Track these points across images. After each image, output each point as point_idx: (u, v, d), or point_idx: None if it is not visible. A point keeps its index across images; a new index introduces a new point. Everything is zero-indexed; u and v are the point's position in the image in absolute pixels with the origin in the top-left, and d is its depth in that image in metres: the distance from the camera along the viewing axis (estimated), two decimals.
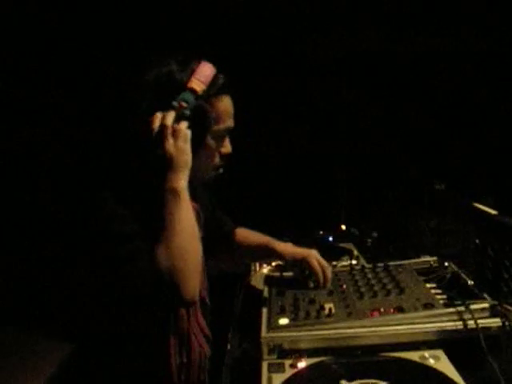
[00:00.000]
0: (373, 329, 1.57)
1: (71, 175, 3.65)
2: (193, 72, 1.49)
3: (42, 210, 3.90)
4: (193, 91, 1.47)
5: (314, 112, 3.98)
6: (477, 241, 1.98)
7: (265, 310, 1.75)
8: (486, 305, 1.57)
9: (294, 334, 1.58)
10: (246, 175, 3.67)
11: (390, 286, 1.77)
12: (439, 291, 1.76)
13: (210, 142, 1.58)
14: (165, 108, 1.46)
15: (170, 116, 1.45)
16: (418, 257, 2.09)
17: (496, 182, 3.43)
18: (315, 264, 1.90)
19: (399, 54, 3.76)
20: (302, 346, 1.56)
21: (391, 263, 2.00)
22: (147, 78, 1.51)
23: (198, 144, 1.53)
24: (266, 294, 1.91)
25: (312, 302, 1.74)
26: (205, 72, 1.50)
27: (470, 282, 1.76)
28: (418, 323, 1.56)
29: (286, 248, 2.02)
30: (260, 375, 1.44)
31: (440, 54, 3.72)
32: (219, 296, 1.87)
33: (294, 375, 1.44)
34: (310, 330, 1.58)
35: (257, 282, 2.21)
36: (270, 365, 1.49)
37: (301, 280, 1.94)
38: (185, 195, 1.46)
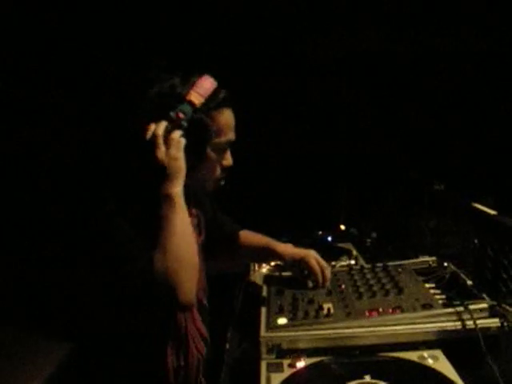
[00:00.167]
0: (371, 329, 1.57)
1: (71, 175, 3.65)
2: (193, 85, 1.51)
3: (42, 210, 3.90)
4: (191, 103, 1.50)
5: (314, 112, 3.98)
6: (476, 241, 1.98)
7: (264, 310, 1.76)
8: (484, 305, 1.57)
9: (293, 333, 1.58)
10: (245, 175, 3.67)
11: (388, 286, 1.78)
12: (438, 291, 1.76)
13: (211, 154, 1.60)
14: (163, 119, 1.49)
15: (162, 125, 1.48)
16: (417, 257, 2.10)
17: (496, 182, 3.42)
18: (314, 264, 1.91)
19: (399, 54, 3.76)
20: (301, 345, 1.56)
21: (390, 263, 2.00)
22: (150, 91, 1.53)
23: (198, 156, 1.56)
24: (265, 293, 1.92)
25: (311, 301, 1.74)
26: (204, 85, 1.53)
27: (469, 282, 1.77)
28: (416, 323, 1.57)
29: (286, 249, 2.03)
30: (259, 375, 1.45)
31: (440, 53, 3.72)
32: (218, 296, 1.88)
33: (293, 375, 1.44)
34: (309, 330, 1.59)
35: (256, 281, 2.21)
36: (268, 364, 1.50)
37: (300, 280, 1.94)
38: (179, 201, 1.49)
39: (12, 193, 3.98)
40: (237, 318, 1.99)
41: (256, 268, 2.33)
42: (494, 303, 1.57)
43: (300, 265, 1.96)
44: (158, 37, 3.69)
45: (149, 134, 1.48)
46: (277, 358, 1.54)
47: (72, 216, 1.71)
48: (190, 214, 1.74)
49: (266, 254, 2.09)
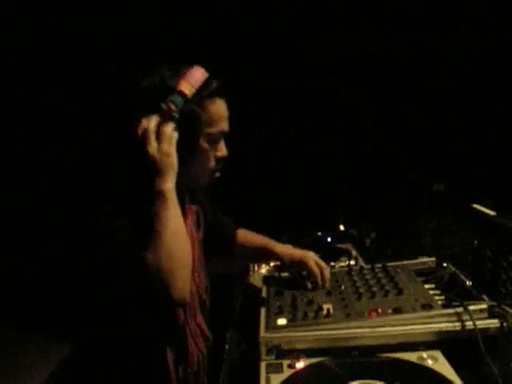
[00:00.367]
0: (371, 329, 1.57)
1: (71, 175, 3.65)
2: (183, 76, 1.50)
3: (42, 210, 3.90)
4: (182, 94, 1.48)
5: (314, 112, 3.98)
6: (475, 242, 1.98)
7: (263, 311, 1.75)
8: (484, 306, 1.57)
9: (292, 334, 1.58)
10: (245, 175, 3.68)
11: (388, 287, 1.77)
12: (437, 292, 1.76)
13: (204, 145, 1.59)
14: (155, 112, 1.48)
15: (153, 120, 1.47)
16: (417, 258, 2.09)
17: (496, 182, 3.42)
18: (313, 265, 1.90)
19: (399, 54, 3.76)
20: (300, 346, 1.56)
21: (390, 264, 2.00)
22: (141, 85, 1.54)
23: (191, 147, 1.55)
24: (264, 294, 1.91)
25: (310, 302, 1.74)
26: (195, 75, 1.52)
27: (469, 283, 1.76)
28: (416, 324, 1.56)
29: (285, 249, 2.03)
30: (258, 375, 1.45)
31: (440, 53, 3.72)
32: (218, 296, 1.88)
33: (292, 376, 1.44)
34: (308, 331, 1.59)
35: (255, 282, 2.21)
36: (268, 365, 1.49)
37: (299, 281, 1.94)
38: (171, 197, 1.48)
39: (12, 193, 3.98)
40: (236, 318, 1.99)
41: (255, 269, 2.32)
42: (494, 304, 1.57)
43: (299, 266, 1.96)
44: (158, 37, 3.69)
45: (140, 129, 1.48)
46: (276, 358, 1.53)
47: (72, 216, 1.71)
48: (189, 210, 1.75)
49: (264, 255, 2.08)
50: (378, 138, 3.86)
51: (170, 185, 1.47)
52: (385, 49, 3.78)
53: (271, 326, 1.63)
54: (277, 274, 2.09)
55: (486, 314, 1.55)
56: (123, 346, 1.60)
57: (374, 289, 1.78)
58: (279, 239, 2.10)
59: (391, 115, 3.86)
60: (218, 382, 1.59)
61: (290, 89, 3.92)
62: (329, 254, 2.29)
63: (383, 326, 1.57)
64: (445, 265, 1.94)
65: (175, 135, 1.48)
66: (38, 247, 3.82)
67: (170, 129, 1.47)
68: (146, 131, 1.46)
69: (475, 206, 2.06)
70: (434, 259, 2.02)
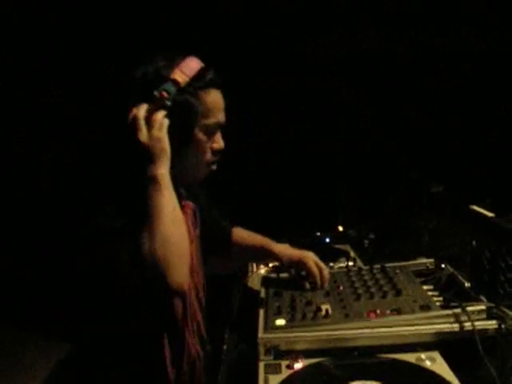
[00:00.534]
0: (369, 330, 1.57)
1: (71, 175, 3.66)
2: (177, 65, 1.49)
3: (42, 210, 3.91)
4: (175, 82, 1.47)
5: (314, 112, 3.98)
6: (473, 243, 1.98)
7: (262, 311, 1.75)
8: (482, 307, 1.56)
9: (291, 335, 1.58)
10: (245, 175, 3.68)
11: (386, 288, 1.77)
12: (436, 293, 1.76)
13: (200, 136, 1.58)
14: (148, 100, 1.46)
15: (143, 107, 1.46)
16: (415, 258, 2.09)
17: (496, 182, 3.42)
18: (312, 265, 1.90)
19: (399, 54, 3.76)
20: (299, 347, 1.56)
21: (388, 265, 2.00)
22: (135, 74, 1.52)
23: (186, 138, 1.54)
24: (262, 294, 1.90)
25: (309, 303, 1.74)
26: (189, 65, 1.51)
27: (467, 284, 1.76)
28: (414, 325, 1.56)
29: (283, 249, 2.02)
30: (257, 376, 1.44)
31: (440, 53, 3.72)
32: (216, 296, 1.88)
33: (291, 376, 1.44)
34: (307, 332, 1.58)
35: (254, 282, 2.20)
36: (266, 365, 1.49)
37: (298, 281, 1.94)
38: (165, 182, 1.46)
39: (12, 193, 3.98)
40: (235, 318, 1.98)
41: (254, 269, 2.32)
42: (492, 305, 1.57)
43: (298, 266, 1.95)
44: (158, 37, 3.70)
45: (130, 116, 1.46)
46: (274, 359, 1.53)
47: (71, 216, 1.71)
48: (186, 206, 1.73)
49: (262, 254, 2.07)
50: (377, 137, 3.86)
51: (163, 170, 1.46)
52: (385, 49, 3.78)
53: (270, 327, 1.62)
54: (275, 275, 2.09)
55: (484, 315, 1.55)
56: (123, 345, 1.60)
57: (373, 290, 1.78)
58: (278, 239, 2.10)
59: (391, 115, 3.86)
60: (216, 382, 1.58)
61: (290, 89, 3.93)
62: (327, 254, 2.28)
63: (382, 327, 1.57)
64: (443, 266, 1.94)
65: (166, 121, 1.46)
66: (38, 247, 3.82)
67: (160, 115, 1.45)
68: (135, 118, 1.45)
69: (474, 207, 2.06)
70: (432, 260, 2.02)
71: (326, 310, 1.66)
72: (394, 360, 1.47)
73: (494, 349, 1.48)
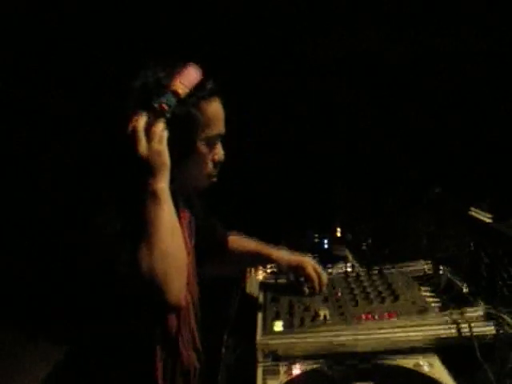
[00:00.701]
0: (367, 335, 1.57)
1: (71, 175, 3.66)
2: (177, 75, 1.47)
3: (42, 210, 3.91)
4: (175, 93, 1.45)
5: (314, 112, 3.98)
6: (471, 246, 1.98)
7: (260, 316, 1.75)
8: (480, 311, 1.57)
9: (289, 340, 1.58)
10: (245, 175, 3.68)
11: (384, 292, 1.78)
12: (434, 297, 1.76)
13: (202, 148, 1.57)
14: (147, 110, 1.45)
15: (142, 119, 1.44)
16: (413, 262, 2.09)
17: (496, 182, 3.42)
18: (311, 270, 1.90)
19: (399, 54, 3.76)
20: (297, 352, 1.56)
21: (386, 268, 2.00)
22: (134, 84, 1.50)
23: (187, 150, 1.53)
24: (261, 299, 1.91)
25: (307, 308, 1.74)
26: (189, 75, 1.49)
27: (465, 288, 1.77)
28: (412, 329, 1.57)
29: (282, 255, 2.01)
30: (255, 380, 1.45)
31: (440, 53, 3.71)
32: (213, 301, 1.88)
33: (289, 380, 1.45)
34: (305, 337, 1.59)
35: (252, 287, 2.20)
36: (264, 370, 1.50)
37: (296, 286, 1.94)
38: (165, 197, 1.44)
39: (12, 193, 3.98)
40: (233, 323, 1.98)
41: (252, 274, 2.32)
42: (490, 310, 1.57)
43: (296, 271, 1.95)
44: (158, 37, 3.69)
45: (129, 128, 1.44)
46: (273, 362, 1.54)
47: (71, 216, 1.71)
48: (182, 215, 1.72)
49: (260, 260, 2.07)
50: (377, 137, 3.86)
51: (163, 185, 1.43)
52: (385, 49, 3.77)
53: (268, 332, 1.63)
54: (273, 280, 2.09)
55: (482, 320, 1.56)
56: (123, 345, 1.60)
57: (371, 294, 1.78)
58: (277, 239, 2.10)
59: (391, 115, 3.86)
60: None
61: (290, 89, 3.92)
62: (325, 258, 2.28)
63: (380, 332, 1.57)
64: (441, 269, 1.94)
65: (165, 134, 1.44)
66: (38, 247, 3.82)
67: (160, 127, 1.43)
68: (135, 130, 1.42)
69: (472, 210, 2.06)
70: (430, 264, 2.02)
71: (324, 315, 1.67)
72: (392, 365, 1.48)
73: (492, 353, 1.48)
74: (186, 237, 1.68)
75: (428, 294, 1.80)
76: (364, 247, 2.63)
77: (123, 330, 1.56)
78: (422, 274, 1.99)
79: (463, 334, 1.52)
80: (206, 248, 1.89)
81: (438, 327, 1.56)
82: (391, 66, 3.79)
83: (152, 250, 1.38)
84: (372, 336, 1.56)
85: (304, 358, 1.52)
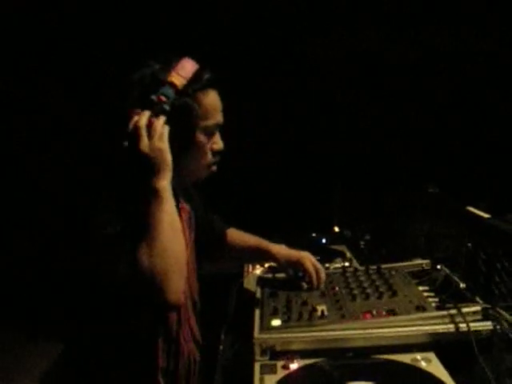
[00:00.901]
0: (365, 331, 1.57)
1: (71, 175, 3.66)
2: (173, 67, 1.48)
3: (42, 210, 3.92)
4: (172, 85, 1.46)
5: (314, 112, 3.98)
6: (469, 244, 1.98)
7: (257, 312, 1.75)
8: (477, 308, 1.56)
9: (287, 335, 1.58)
10: (244, 175, 3.69)
11: (382, 289, 1.77)
12: (431, 294, 1.76)
13: (200, 138, 1.57)
14: (146, 104, 1.45)
15: (144, 116, 1.43)
16: (411, 259, 2.09)
17: (496, 182, 3.42)
18: (309, 266, 1.90)
19: (399, 54, 3.76)
20: (295, 347, 1.56)
21: (384, 266, 2.00)
22: (132, 78, 1.51)
23: (186, 141, 1.53)
24: (258, 295, 1.90)
25: (304, 303, 1.74)
26: (185, 67, 1.50)
27: (462, 285, 1.76)
28: (410, 326, 1.56)
29: (280, 250, 2.01)
30: (252, 376, 1.45)
31: (440, 53, 3.72)
32: (211, 297, 1.88)
33: (286, 376, 1.44)
34: (303, 332, 1.59)
35: (249, 283, 2.20)
36: (262, 366, 1.49)
37: (294, 281, 1.94)
38: (167, 195, 1.43)
39: (12, 193, 3.99)
40: (230, 319, 1.98)
41: (250, 269, 2.31)
42: (487, 306, 1.57)
43: (295, 266, 1.95)
44: (158, 37, 3.70)
45: (131, 125, 1.43)
46: (270, 359, 1.54)
47: (71, 216, 1.71)
48: (182, 210, 1.72)
49: (259, 255, 2.07)
50: (378, 137, 3.86)
51: (164, 182, 1.43)
52: (385, 49, 3.78)
53: (265, 327, 1.62)
54: (271, 275, 2.09)
55: (479, 317, 1.55)
56: (123, 345, 1.61)
57: (369, 290, 1.77)
58: (276, 238, 2.10)
59: (391, 115, 3.86)
60: (212, 382, 1.58)
61: (290, 89, 3.93)
62: (323, 255, 2.28)
63: (377, 328, 1.57)
64: (439, 267, 1.94)
65: (166, 130, 1.44)
66: (38, 247, 3.83)
67: (160, 124, 1.43)
68: (137, 127, 1.42)
69: (469, 208, 2.06)
70: (428, 261, 2.02)
71: (322, 311, 1.66)
72: (390, 361, 1.47)
73: (489, 350, 1.48)
74: (185, 231, 1.68)
75: (425, 290, 1.79)
76: (362, 245, 2.63)
77: (123, 329, 1.56)
78: (419, 271, 1.98)
79: (460, 331, 1.51)
80: (206, 242, 1.90)
81: (436, 323, 1.55)
82: (391, 65, 3.80)
83: (152, 249, 1.38)
84: (369, 331, 1.56)
85: (301, 353, 1.52)
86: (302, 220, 3.56)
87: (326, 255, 2.35)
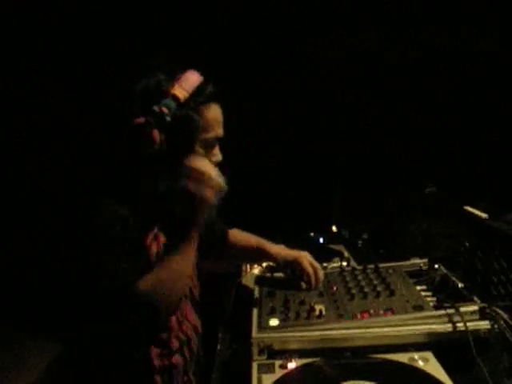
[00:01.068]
0: (363, 330, 1.57)
1: (71, 175, 3.66)
2: (177, 80, 1.51)
3: (42, 210, 3.92)
4: (175, 98, 1.48)
5: (314, 112, 3.98)
6: (467, 244, 1.98)
7: (255, 311, 1.76)
8: (475, 307, 1.57)
9: (284, 334, 1.58)
10: (244, 175, 3.68)
11: (380, 288, 1.78)
12: (429, 293, 1.76)
13: (200, 150, 1.59)
14: (148, 114, 1.47)
15: (208, 164, 1.54)
16: (409, 259, 2.09)
17: (496, 182, 3.42)
18: (307, 265, 1.90)
19: (399, 54, 3.76)
20: (292, 346, 1.57)
21: (382, 265, 2.00)
22: (136, 88, 1.54)
23: (186, 152, 1.55)
24: (256, 294, 1.91)
25: (302, 303, 1.74)
26: (189, 80, 1.52)
27: (460, 285, 1.77)
28: (407, 325, 1.57)
29: (279, 250, 2.02)
30: (250, 376, 1.45)
31: (440, 53, 3.72)
32: (210, 296, 1.88)
33: (284, 376, 1.44)
34: (300, 331, 1.59)
35: (248, 282, 2.20)
36: (260, 365, 1.49)
37: (292, 281, 1.94)
38: (195, 242, 1.55)
39: (12, 193, 3.99)
40: (228, 318, 1.98)
41: (248, 269, 2.32)
42: (485, 306, 1.57)
43: (293, 265, 1.96)
44: (158, 37, 3.70)
45: (187, 164, 1.51)
46: (268, 358, 1.54)
47: (71, 216, 1.71)
48: None
49: (258, 255, 2.08)
50: (377, 137, 3.86)
51: (197, 233, 1.55)
52: (385, 49, 3.78)
53: (263, 327, 1.63)
54: (269, 275, 2.09)
55: (477, 316, 1.56)
56: (123, 346, 1.61)
57: (366, 290, 1.78)
58: (275, 238, 2.10)
59: (391, 115, 3.86)
60: (210, 382, 1.59)
61: (290, 89, 3.92)
62: (321, 255, 2.28)
63: (375, 327, 1.58)
64: (436, 266, 1.94)
65: (226, 188, 1.54)
66: (38, 247, 3.82)
67: (221, 180, 1.53)
68: (193, 169, 1.50)
69: (467, 208, 2.06)
70: (425, 261, 2.02)
71: (320, 310, 1.67)
72: (387, 360, 1.48)
73: (487, 349, 1.48)
74: None
75: (423, 290, 1.80)
76: (360, 245, 2.63)
77: (123, 329, 1.56)
78: (417, 271, 1.99)
79: (458, 330, 1.52)
80: (205, 242, 1.90)
81: (433, 323, 1.56)
82: (391, 65, 3.79)
83: (159, 283, 1.47)
84: (367, 331, 1.56)
85: (299, 353, 1.52)
86: (302, 220, 3.55)
87: (323, 255, 2.34)
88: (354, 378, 1.39)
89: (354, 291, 1.79)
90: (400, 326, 1.57)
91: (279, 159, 4.01)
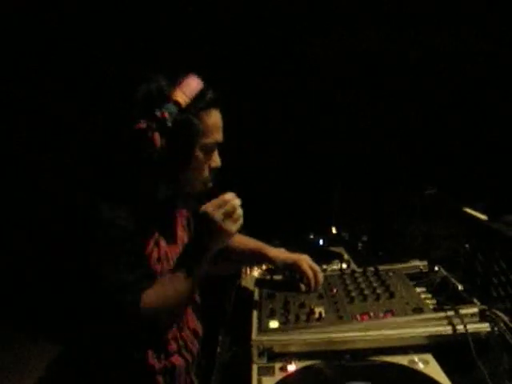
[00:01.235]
0: (362, 333, 1.57)
1: (71, 175, 3.66)
2: (179, 85, 1.52)
3: (42, 210, 3.92)
4: (176, 103, 1.49)
5: (314, 112, 3.98)
6: (467, 245, 1.98)
7: (255, 313, 1.75)
8: (475, 309, 1.57)
9: (284, 337, 1.58)
10: (244, 175, 3.68)
11: (379, 291, 1.77)
12: (429, 296, 1.75)
13: (199, 155, 1.60)
14: (149, 118, 1.48)
15: (235, 199, 1.56)
16: (408, 261, 2.09)
17: (496, 183, 3.41)
18: (306, 268, 1.90)
19: (399, 54, 3.76)
20: (292, 349, 1.56)
21: (381, 267, 2.00)
22: (137, 92, 1.54)
23: (185, 156, 1.56)
24: (256, 297, 1.91)
25: (302, 305, 1.74)
26: (190, 85, 1.53)
27: (460, 287, 1.76)
28: (407, 327, 1.56)
29: (278, 254, 2.02)
30: (250, 378, 1.45)
31: (440, 53, 3.71)
32: (210, 299, 1.88)
33: (284, 378, 1.44)
34: (300, 334, 1.59)
35: (247, 284, 2.20)
36: (260, 368, 1.49)
37: (292, 283, 1.94)
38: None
39: (12, 193, 3.99)
40: (228, 321, 1.98)
41: (247, 271, 2.31)
42: (485, 308, 1.57)
43: (292, 268, 1.96)
44: (158, 37, 3.70)
45: (219, 201, 1.53)
46: (268, 361, 1.54)
47: (71, 216, 1.71)
48: (180, 214, 1.78)
49: (257, 259, 2.09)
50: (377, 137, 3.86)
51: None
52: (385, 49, 3.77)
53: (263, 329, 1.63)
54: (269, 277, 2.09)
55: (477, 318, 1.55)
56: (123, 346, 1.61)
57: (366, 292, 1.78)
58: (272, 242, 2.10)
59: (391, 115, 3.85)
60: None
61: (290, 89, 3.92)
62: (321, 257, 2.28)
63: (375, 330, 1.57)
64: (436, 268, 1.94)
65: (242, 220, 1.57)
66: (38, 247, 3.83)
67: (240, 211, 1.56)
68: (225, 202, 1.53)
69: (467, 209, 2.06)
70: (425, 263, 2.02)
71: (320, 313, 1.66)
72: (387, 362, 1.48)
73: (487, 351, 1.48)
74: (182, 235, 1.71)
75: (423, 292, 1.79)
76: (360, 247, 2.62)
77: (123, 330, 1.56)
78: (417, 273, 1.98)
79: (458, 332, 1.51)
80: None
81: (433, 325, 1.55)
82: (391, 65, 3.79)
83: (161, 301, 1.50)
84: (367, 333, 1.56)
85: (299, 355, 1.52)
86: (302, 220, 3.55)
87: (323, 257, 2.34)
88: (353, 381, 1.38)
89: (353, 294, 1.78)
90: (400, 328, 1.56)
91: (279, 159, 4.01)
